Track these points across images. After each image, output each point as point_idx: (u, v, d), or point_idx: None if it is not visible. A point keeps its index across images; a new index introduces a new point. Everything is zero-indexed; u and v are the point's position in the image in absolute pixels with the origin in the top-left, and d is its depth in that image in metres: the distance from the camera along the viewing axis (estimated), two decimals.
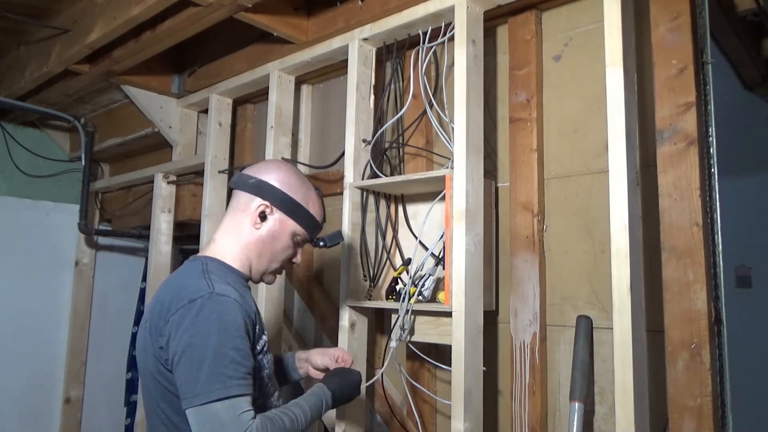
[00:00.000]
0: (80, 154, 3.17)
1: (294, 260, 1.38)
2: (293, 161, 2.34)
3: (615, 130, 1.33)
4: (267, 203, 1.29)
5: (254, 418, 1.10)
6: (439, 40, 1.76)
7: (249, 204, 1.29)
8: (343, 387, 1.38)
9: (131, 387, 3.33)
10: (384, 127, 1.92)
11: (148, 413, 1.26)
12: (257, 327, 1.23)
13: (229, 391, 1.09)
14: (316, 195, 1.37)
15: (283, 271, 1.46)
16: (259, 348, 1.24)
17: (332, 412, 1.82)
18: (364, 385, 1.56)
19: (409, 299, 1.63)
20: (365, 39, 1.91)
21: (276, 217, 1.30)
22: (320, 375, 1.47)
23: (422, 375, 1.86)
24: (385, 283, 1.87)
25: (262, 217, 1.29)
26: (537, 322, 1.60)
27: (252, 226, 1.29)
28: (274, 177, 1.31)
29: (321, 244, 1.42)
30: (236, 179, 1.34)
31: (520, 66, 1.73)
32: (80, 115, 3.11)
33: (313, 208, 1.35)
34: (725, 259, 1.38)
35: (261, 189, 1.29)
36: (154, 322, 1.18)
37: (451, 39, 1.66)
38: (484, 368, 1.53)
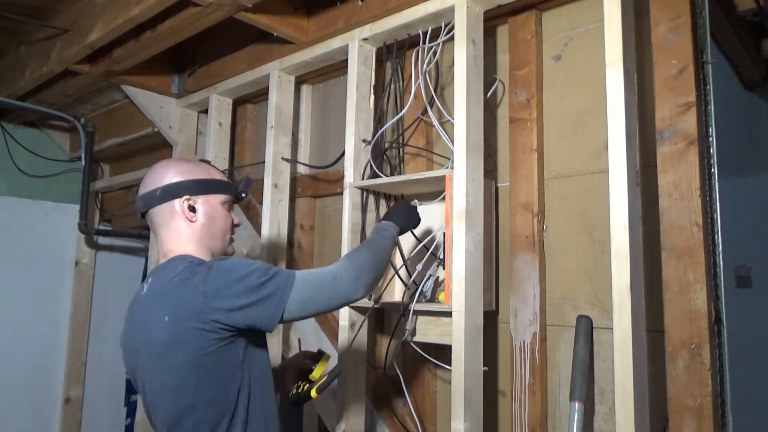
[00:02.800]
0: (80, 154, 3.17)
1: (236, 223, 1.43)
2: (293, 161, 2.34)
3: (615, 130, 1.33)
4: (186, 196, 1.31)
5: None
6: (439, 40, 1.76)
7: (172, 209, 1.31)
8: (404, 214, 1.55)
9: (131, 387, 3.33)
10: (384, 128, 1.92)
11: (173, 406, 1.19)
12: None
13: (293, 273, 1.23)
14: (207, 164, 1.42)
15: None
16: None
17: (333, 412, 1.82)
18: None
19: (414, 300, 1.63)
20: (365, 39, 1.91)
21: (200, 201, 1.33)
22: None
23: (423, 375, 1.86)
24: (384, 283, 1.87)
25: (192, 209, 1.32)
26: (537, 322, 1.60)
27: (189, 222, 1.32)
28: (170, 176, 1.33)
29: (243, 195, 1.48)
30: (142, 203, 1.34)
31: (520, 66, 1.73)
32: (80, 115, 3.11)
33: (216, 174, 1.40)
34: (725, 259, 1.38)
35: (171, 191, 1.32)
36: (182, 307, 1.18)
37: (451, 39, 1.66)
38: (486, 368, 1.53)
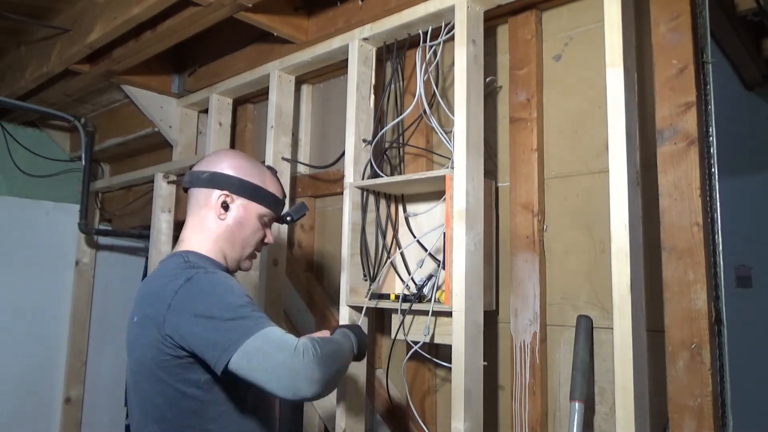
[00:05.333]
0: (80, 153, 3.17)
1: (266, 241, 1.39)
2: (293, 161, 2.34)
3: (615, 130, 1.33)
4: (226, 192, 1.30)
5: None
6: (440, 39, 1.76)
7: (209, 198, 1.30)
8: (357, 333, 1.39)
9: None
10: (385, 129, 1.92)
11: (136, 410, 1.21)
12: None
13: (263, 324, 1.08)
14: (271, 173, 1.39)
15: (258, 256, 1.45)
16: None
17: (333, 412, 1.82)
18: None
19: (422, 301, 1.63)
20: (365, 39, 1.91)
21: (238, 203, 1.31)
22: None
23: (423, 374, 1.86)
24: (385, 283, 1.87)
25: (225, 206, 1.30)
26: (537, 322, 1.60)
27: (217, 218, 1.30)
28: (225, 166, 1.32)
29: (288, 219, 1.45)
30: (188, 179, 1.34)
31: (521, 66, 1.73)
32: (80, 114, 3.11)
33: (271, 186, 1.36)
34: (725, 259, 1.38)
35: (216, 180, 1.30)
36: (149, 313, 1.16)
37: (452, 39, 1.66)
38: (485, 363, 1.53)
